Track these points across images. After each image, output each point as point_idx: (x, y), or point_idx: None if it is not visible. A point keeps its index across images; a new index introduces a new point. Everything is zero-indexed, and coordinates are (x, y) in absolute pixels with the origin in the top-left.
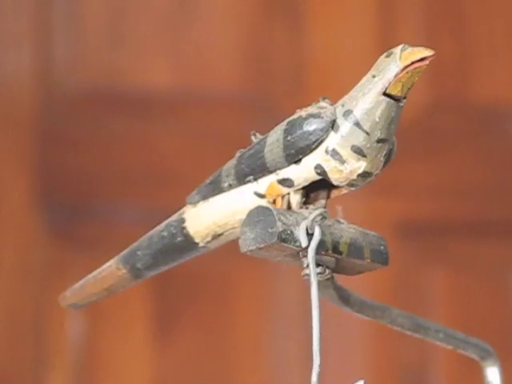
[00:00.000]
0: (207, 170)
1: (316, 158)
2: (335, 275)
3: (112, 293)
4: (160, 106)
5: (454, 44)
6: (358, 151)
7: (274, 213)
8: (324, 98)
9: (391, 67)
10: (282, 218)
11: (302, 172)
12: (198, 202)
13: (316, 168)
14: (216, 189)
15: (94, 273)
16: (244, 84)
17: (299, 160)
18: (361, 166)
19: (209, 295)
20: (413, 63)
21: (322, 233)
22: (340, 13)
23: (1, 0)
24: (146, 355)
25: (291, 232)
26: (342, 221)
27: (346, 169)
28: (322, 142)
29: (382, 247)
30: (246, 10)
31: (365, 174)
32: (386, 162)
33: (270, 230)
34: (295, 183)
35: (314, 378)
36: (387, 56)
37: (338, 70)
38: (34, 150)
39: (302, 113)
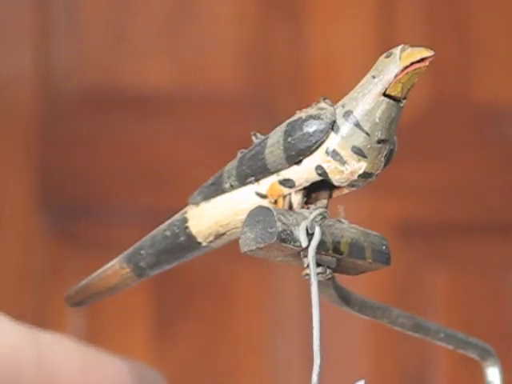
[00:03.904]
0: (207, 170)
1: (317, 158)
2: (336, 275)
3: (116, 291)
4: (160, 106)
5: (454, 44)
6: (359, 152)
7: (274, 213)
8: (324, 99)
9: (391, 68)
10: (282, 218)
11: (303, 173)
12: (200, 202)
13: (317, 169)
14: (218, 190)
15: (98, 271)
16: (244, 84)
17: (300, 161)
18: (361, 166)
19: (209, 295)
20: (412, 64)
21: (323, 233)
22: (340, 13)
23: (1, 0)
24: (146, 355)
25: (291, 232)
26: (343, 221)
27: (346, 169)
28: (322, 143)
29: (384, 247)
30: (246, 9)
31: (365, 175)
32: (386, 162)
33: (269, 230)
34: (296, 184)
35: (315, 378)
36: (387, 57)
37: (338, 70)
38: (34, 149)
39: (302, 114)
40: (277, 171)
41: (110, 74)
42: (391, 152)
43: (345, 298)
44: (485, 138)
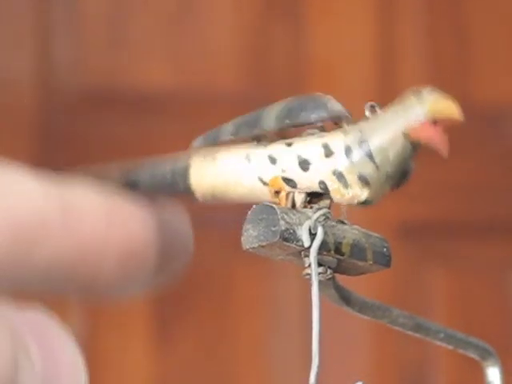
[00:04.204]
0: None
1: (323, 174)
2: (336, 275)
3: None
4: (160, 106)
5: (454, 44)
6: (364, 181)
7: (278, 211)
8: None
9: (417, 111)
10: (286, 217)
11: (307, 181)
12: (203, 147)
13: (320, 183)
14: (217, 138)
15: None
16: (244, 84)
17: (307, 168)
18: (363, 193)
19: (208, 295)
20: (437, 120)
21: (325, 233)
22: (340, 13)
23: (1, 0)
24: (146, 356)
25: (294, 231)
26: (345, 221)
27: (348, 193)
28: (321, 131)
29: (385, 249)
30: (246, 9)
31: (365, 202)
32: (397, 187)
33: (272, 229)
34: (298, 186)
35: (312, 378)
36: (415, 96)
37: (339, 70)
38: (34, 149)
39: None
40: (266, 129)
41: (110, 75)
42: (404, 179)
43: (345, 297)
44: (485, 137)
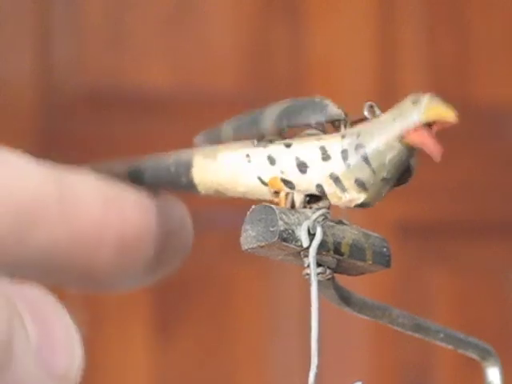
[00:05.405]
0: None
1: (320, 177)
2: (337, 275)
3: None
4: (160, 106)
5: (454, 44)
6: (361, 185)
7: (276, 212)
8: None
9: (413, 116)
10: (284, 217)
11: (305, 183)
12: (203, 144)
13: (317, 187)
14: (217, 137)
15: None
16: (244, 84)
17: (305, 171)
18: (360, 197)
19: (209, 295)
20: (434, 122)
21: (324, 233)
22: (340, 13)
23: (1, 0)
24: (145, 358)
25: (293, 231)
26: (345, 221)
27: (345, 197)
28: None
29: (385, 249)
30: (246, 9)
31: (362, 205)
32: (395, 187)
33: (271, 229)
34: (296, 188)
35: (311, 378)
36: (413, 102)
37: (339, 70)
38: (34, 150)
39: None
40: (265, 132)
41: (110, 74)
42: (405, 179)
43: (345, 298)
44: (485, 137)
